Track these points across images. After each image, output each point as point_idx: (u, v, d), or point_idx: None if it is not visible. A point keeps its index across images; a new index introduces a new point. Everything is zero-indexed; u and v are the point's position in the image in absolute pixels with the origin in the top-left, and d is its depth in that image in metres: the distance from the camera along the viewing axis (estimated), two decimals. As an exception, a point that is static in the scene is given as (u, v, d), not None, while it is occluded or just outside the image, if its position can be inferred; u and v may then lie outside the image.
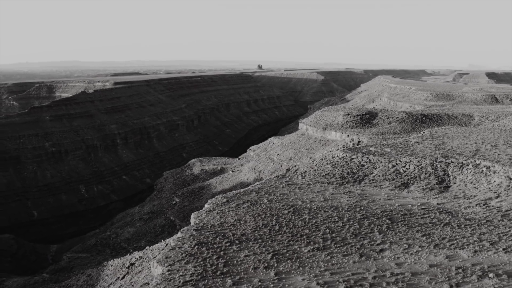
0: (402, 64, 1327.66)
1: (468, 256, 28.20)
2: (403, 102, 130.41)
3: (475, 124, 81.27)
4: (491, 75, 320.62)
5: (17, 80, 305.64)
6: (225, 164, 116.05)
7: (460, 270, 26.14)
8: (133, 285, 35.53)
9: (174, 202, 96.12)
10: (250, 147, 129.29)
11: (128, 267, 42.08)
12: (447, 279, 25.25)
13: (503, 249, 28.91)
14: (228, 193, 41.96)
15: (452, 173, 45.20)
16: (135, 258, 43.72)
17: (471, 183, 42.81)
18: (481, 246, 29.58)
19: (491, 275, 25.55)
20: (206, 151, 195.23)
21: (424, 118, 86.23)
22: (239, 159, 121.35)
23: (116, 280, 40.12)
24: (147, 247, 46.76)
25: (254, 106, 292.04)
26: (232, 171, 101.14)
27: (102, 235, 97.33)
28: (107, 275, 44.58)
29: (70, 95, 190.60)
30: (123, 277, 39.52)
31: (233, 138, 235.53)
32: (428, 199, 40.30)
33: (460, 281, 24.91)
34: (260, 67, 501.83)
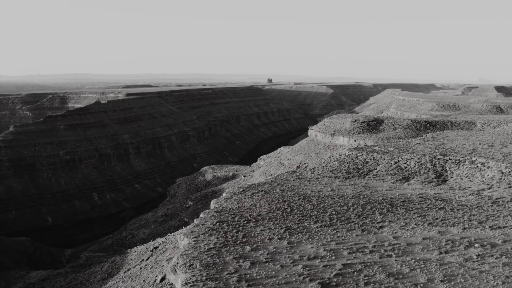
0: (412, 78, 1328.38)
1: (458, 232, 31.94)
2: (409, 112, 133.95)
3: (477, 130, 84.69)
4: (500, 89, 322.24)
5: (30, 91, 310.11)
6: (236, 171, 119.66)
7: (449, 242, 29.87)
8: (158, 263, 39.33)
9: (187, 205, 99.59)
10: (261, 157, 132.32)
11: (152, 250, 45.83)
12: (437, 248, 28.97)
13: (490, 227, 32.64)
14: (243, 184, 45.84)
15: (449, 168, 48.93)
16: (158, 242, 47.57)
17: (467, 177, 46.53)
18: (470, 224, 33.34)
19: (476, 245, 29.27)
20: (217, 162, 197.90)
21: (428, 125, 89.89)
22: (250, 166, 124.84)
23: (140, 262, 43.85)
24: (169, 234, 50.63)
25: (264, 119, 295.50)
26: (244, 176, 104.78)
27: (118, 236, 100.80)
28: (131, 259, 48.28)
29: (82, 106, 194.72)
30: (148, 258, 43.27)
31: (243, 150, 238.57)
32: (426, 190, 44.02)
33: (449, 250, 28.64)
34: (270, 80, 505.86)
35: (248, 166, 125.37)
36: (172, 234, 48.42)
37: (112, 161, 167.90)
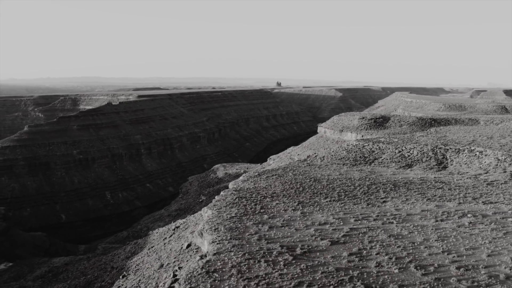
0: (421, 82, 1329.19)
1: (453, 206, 35.54)
2: (416, 112, 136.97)
3: (480, 126, 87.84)
4: (509, 92, 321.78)
5: (41, 94, 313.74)
6: (247, 169, 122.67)
7: (445, 213, 33.46)
8: (181, 237, 42.92)
9: (201, 200, 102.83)
10: (270, 157, 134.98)
11: (174, 229, 49.39)
12: (434, 217, 32.57)
13: (483, 202, 36.19)
14: (258, 169, 49.57)
15: (449, 156, 52.51)
16: (180, 222, 51.18)
17: (465, 163, 50.07)
18: (465, 200, 36.93)
19: (469, 215, 32.82)
20: (227, 163, 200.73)
21: (433, 122, 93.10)
22: (260, 164, 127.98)
23: (163, 239, 47.39)
24: (188, 216, 54.27)
25: (273, 121, 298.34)
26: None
27: (133, 229, 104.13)
28: (153, 239, 51.80)
29: (94, 108, 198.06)
30: (171, 236, 46.81)
31: (253, 152, 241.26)
32: (427, 175, 47.58)
33: (444, 218, 32.22)
34: (279, 84, 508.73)
35: (259, 164, 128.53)
36: (193, 215, 52.13)
37: (124, 161, 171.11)
